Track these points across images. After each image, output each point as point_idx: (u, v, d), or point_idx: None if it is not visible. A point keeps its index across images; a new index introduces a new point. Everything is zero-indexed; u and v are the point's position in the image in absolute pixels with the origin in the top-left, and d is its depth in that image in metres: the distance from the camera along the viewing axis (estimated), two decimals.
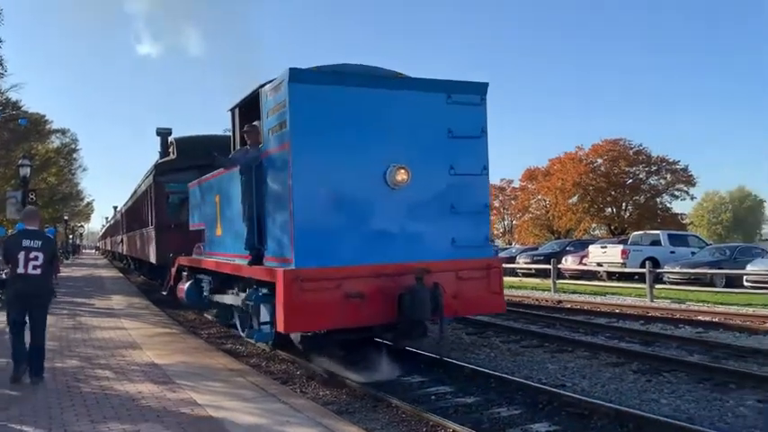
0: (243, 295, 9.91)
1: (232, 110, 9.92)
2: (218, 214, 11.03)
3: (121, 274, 32.23)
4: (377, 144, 8.08)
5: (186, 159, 16.68)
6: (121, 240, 34.06)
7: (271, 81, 8.40)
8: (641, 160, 57.32)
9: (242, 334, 11.04)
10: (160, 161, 17.67)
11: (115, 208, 53.00)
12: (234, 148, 9.90)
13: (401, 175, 8.03)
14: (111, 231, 56.72)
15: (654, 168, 57.78)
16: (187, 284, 13.11)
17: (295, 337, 8.57)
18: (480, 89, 8.75)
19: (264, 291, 8.73)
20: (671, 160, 57.58)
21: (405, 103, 8.25)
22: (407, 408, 6.79)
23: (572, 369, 9.08)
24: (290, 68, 7.65)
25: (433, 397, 7.57)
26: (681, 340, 11.25)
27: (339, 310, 7.68)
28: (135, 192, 25.40)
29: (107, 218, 72.36)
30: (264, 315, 8.76)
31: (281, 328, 7.62)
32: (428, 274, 7.96)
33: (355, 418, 6.56)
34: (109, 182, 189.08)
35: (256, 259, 8.75)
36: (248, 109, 9.50)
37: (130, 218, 25.90)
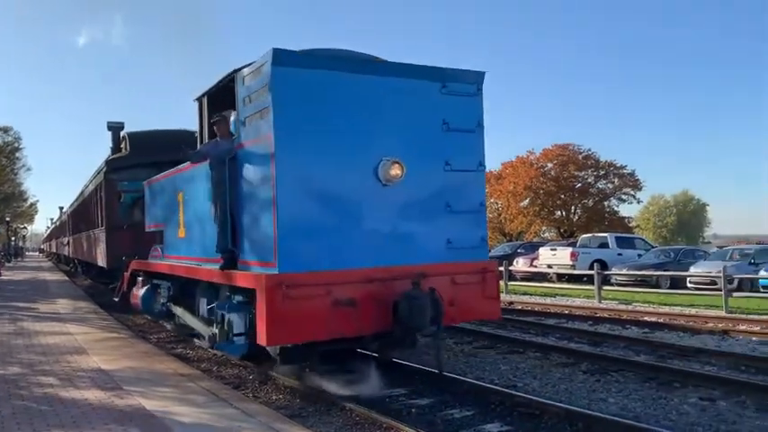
0: (206, 303, 9.05)
1: (200, 98, 9.00)
2: (180, 214, 10.07)
3: (67, 278, 30.90)
4: (368, 135, 7.33)
5: (140, 155, 15.61)
6: (68, 242, 32.35)
7: (248, 65, 7.55)
8: (590, 165, 58.05)
9: (204, 345, 10.13)
10: (111, 157, 16.50)
11: (61, 209, 50.80)
12: (201, 142, 8.99)
13: (395, 170, 7.29)
14: (56, 233, 54.43)
15: (602, 173, 58.68)
16: (143, 290, 12.12)
17: (273, 349, 7.71)
18: (477, 78, 8.09)
19: (238, 298, 7.87)
20: (618, 165, 58.64)
21: (397, 91, 7.52)
22: (361, 411, 6.75)
23: (523, 370, 9.26)
24: (274, 49, 6.83)
25: (387, 399, 7.49)
26: (628, 340, 11.58)
27: (328, 319, 6.90)
28: (83, 191, 23.96)
29: (52, 219, 69.48)
30: (238, 326, 7.91)
31: (262, 340, 6.79)
32: (425, 278, 7.26)
33: (309, 422, 6.53)
34: (56, 182, 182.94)
35: (229, 263, 7.88)
36: (219, 97, 8.62)
37: (78, 219, 24.43)
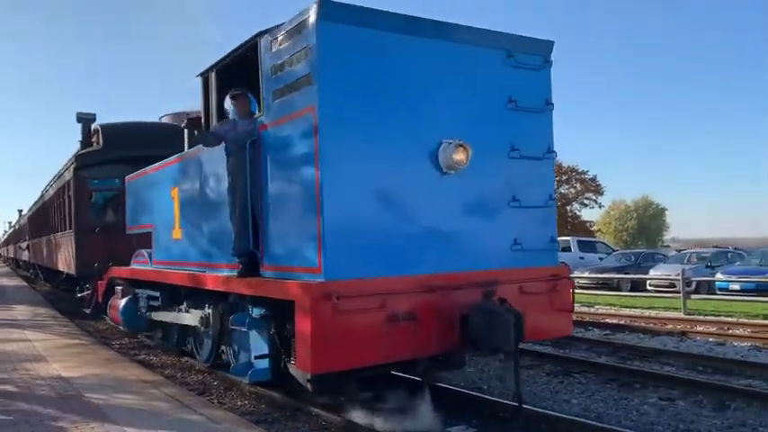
0: (205, 314, 7.62)
1: (205, 74, 7.55)
2: (175, 212, 8.58)
3: (26, 283, 29.09)
4: (424, 112, 6.00)
5: (115, 150, 14.00)
6: (27, 246, 30.20)
7: (277, 26, 6.16)
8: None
9: (201, 363, 8.71)
10: (82, 152, 14.78)
11: (20, 212, 48.21)
12: (208, 127, 7.53)
13: (459, 155, 5.97)
14: (14, 237, 51.66)
15: (564, 178, 59.04)
16: (124, 301, 10.56)
17: (302, 375, 6.29)
18: (544, 48, 6.82)
19: (260, 312, 6.47)
20: (580, 170, 59.19)
21: (458, 59, 6.21)
22: (328, 416, 6.47)
23: (488, 372, 9.14)
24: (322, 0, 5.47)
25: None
26: (590, 342, 11.71)
27: (384, 338, 5.53)
28: (45, 191, 22.01)
29: (10, 223, 66.17)
30: (259, 346, 6.53)
31: (305, 366, 5.39)
32: (497, 286, 5.97)
33: (275, 428, 6.42)
34: (14, 184, 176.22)
35: (249, 269, 6.46)
36: (232, 72, 7.20)
37: (39, 221, 22.43)
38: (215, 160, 7.21)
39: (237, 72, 7.08)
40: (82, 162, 14.45)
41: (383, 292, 5.56)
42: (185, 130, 11.15)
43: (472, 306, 5.78)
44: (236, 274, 6.64)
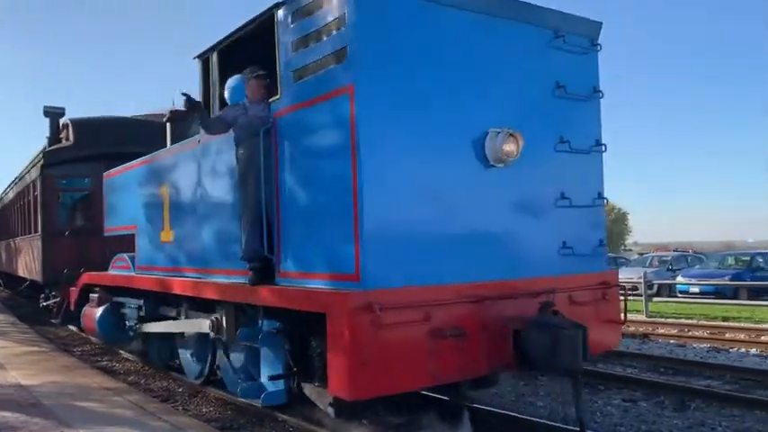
0: (200, 325, 6.76)
1: (205, 56, 6.68)
2: (164, 212, 7.66)
3: None
4: (469, 96, 5.25)
5: (87, 147, 12.94)
6: None
7: None
8: None
9: (191, 380, 7.81)
10: (50, 149, 13.65)
11: None
12: (211, 114, 6.65)
13: (510, 145, 5.22)
14: None
15: None
16: (100, 311, 9.59)
17: (320, 397, 5.45)
18: (592, 30, 6.12)
19: (275, 325, 5.63)
20: None
21: (503, 36, 5.48)
22: (295, 422, 6.23)
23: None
24: None
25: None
26: None
27: (429, 356, 4.74)
28: (5, 192, 20.65)
29: None
30: (273, 364, 5.68)
31: (343, 392, 4.57)
32: (554, 297, 5.24)
33: None
34: None
35: (262, 275, 5.61)
36: (236, 51, 6.35)
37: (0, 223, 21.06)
38: (218, 152, 6.36)
39: (243, 52, 6.24)
40: (49, 160, 13.33)
41: (428, 303, 4.77)
42: (167, 125, 10.31)
43: (528, 320, 5.02)
44: (244, 281, 5.80)
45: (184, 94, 5.74)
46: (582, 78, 5.98)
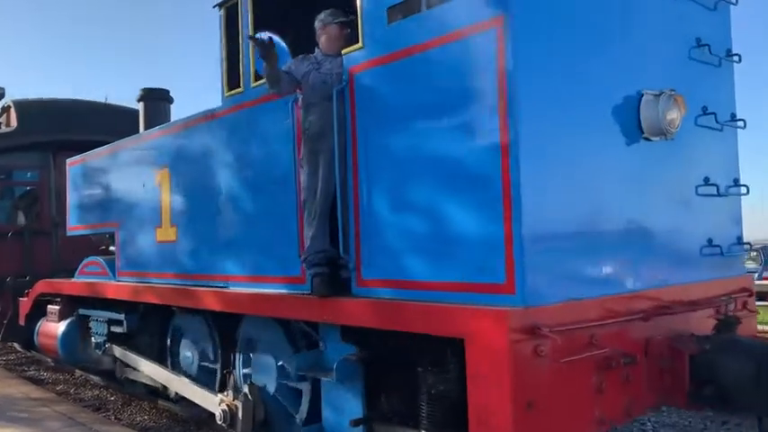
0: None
1: (229, 1, 5.22)
2: (164, 204, 6.11)
3: None
4: (616, 48, 4.01)
5: (34, 133, 11.05)
6: None
7: None
8: None
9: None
10: None
11: None
12: (240, 77, 5.18)
13: (673, 112, 4.01)
14: None
15: None
16: (64, 327, 7.92)
17: None
18: None
19: (350, 350, 4.24)
20: None
21: None
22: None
23: None
24: None
25: None
26: None
27: (597, 394, 3.47)
28: None
29: None
30: (351, 404, 4.28)
31: None
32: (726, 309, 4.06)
33: None
34: None
35: (329, 283, 4.22)
36: None
37: None
38: (259, 122, 4.91)
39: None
40: None
41: (592, 322, 3.50)
42: (141, 104, 8.79)
43: (703, 341, 3.82)
44: (303, 291, 4.40)
45: (253, 38, 4.31)
46: (716, 39, 4.82)
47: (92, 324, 7.51)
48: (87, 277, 7.57)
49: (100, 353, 7.38)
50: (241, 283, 5.11)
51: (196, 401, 5.73)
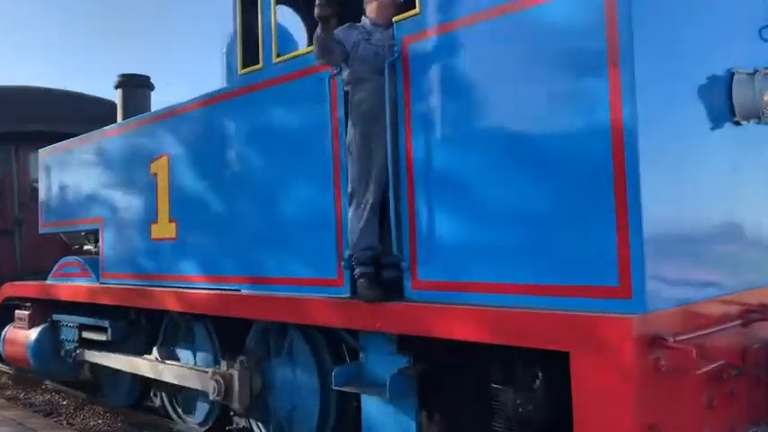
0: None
1: None
2: (161, 196, 5.46)
3: None
4: (712, 28, 3.56)
5: None
6: None
7: None
8: None
9: (192, 424, 5.72)
10: None
11: None
12: (259, 53, 4.59)
13: None
14: None
15: None
16: (35, 335, 7.17)
17: None
18: None
19: (402, 363, 3.70)
20: None
21: None
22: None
23: None
24: None
25: None
26: None
27: (707, 412, 3.02)
28: None
29: None
30: (404, 426, 3.74)
31: None
32: None
33: None
34: None
35: (377, 283, 3.67)
36: None
37: None
38: (284, 102, 4.32)
39: None
40: None
41: (704, 329, 3.04)
42: (119, 91, 8.11)
43: None
44: (339, 295, 3.84)
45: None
46: None
47: (64, 330, 6.80)
48: (64, 279, 6.83)
49: (70, 360, 6.70)
50: (258, 285, 4.52)
51: (190, 385, 5.20)
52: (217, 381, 4.67)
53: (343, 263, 3.90)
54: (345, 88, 3.85)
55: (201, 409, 5.63)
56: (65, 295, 6.53)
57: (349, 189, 3.79)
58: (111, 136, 6.23)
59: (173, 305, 5.15)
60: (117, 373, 6.51)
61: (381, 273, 3.76)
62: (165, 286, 5.35)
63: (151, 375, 5.67)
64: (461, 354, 3.45)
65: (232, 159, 4.71)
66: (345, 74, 3.81)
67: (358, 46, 3.72)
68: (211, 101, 4.91)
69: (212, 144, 4.89)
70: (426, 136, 3.53)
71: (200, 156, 5.04)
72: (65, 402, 7.53)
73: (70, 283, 6.52)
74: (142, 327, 6.26)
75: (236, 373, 4.59)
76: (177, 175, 5.28)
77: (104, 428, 6.46)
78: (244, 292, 4.61)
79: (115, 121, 7.62)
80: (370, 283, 3.67)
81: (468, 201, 3.34)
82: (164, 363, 5.54)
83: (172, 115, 5.41)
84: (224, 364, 4.75)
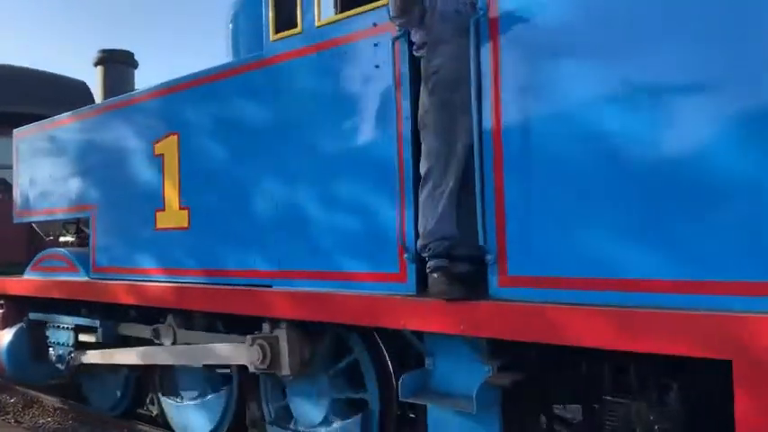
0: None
1: None
2: (170, 180, 4.84)
3: None
4: None
5: None
6: None
7: None
8: None
9: None
10: None
11: None
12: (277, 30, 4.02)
13: None
14: None
15: None
16: (10, 336, 6.46)
17: None
18: None
19: (484, 372, 3.21)
20: None
21: None
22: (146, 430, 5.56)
23: None
24: None
25: None
26: None
27: None
28: None
29: None
30: None
31: None
32: None
33: None
34: None
35: (457, 279, 3.16)
36: None
37: None
38: (330, 70, 3.76)
39: None
40: None
41: None
42: (99, 69, 7.47)
43: None
44: (402, 292, 3.32)
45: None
46: None
47: (54, 332, 6.10)
48: (46, 274, 6.11)
49: (62, 366, 5.99)
50: (294, 281, 3.95)
51: (226, 361, 4.47)
52: (261, 345, 4.02)
53: (406, 255, 3.37)
54: (416, 53, 3.31)
55: (209, 416, 5.03)
56: (58, 293, 5.81)
57: (423, 168, 3.25)
58: (104, 113, 5.56)
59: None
60: (104, 374, 5.88)
61: (457, 266, 3.24)
62: (173, 282, 4.73)
63: (171, 361, 4.95)
64: (553, 360, 2.98)
65: (263, 137, 4.12)
66: (417, 36, 3.27)
67: (435, 2, 3.19)
68: (236, 71, 4.31)
69: (241, 120, 4.29)
70: (521, 105, 3.02)
71: (221, 134, 4.43)
72: (12, 400, 7.17)
73: (63, 279, 5.79)
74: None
75: (282, 335, 3.97)
76: (191, 157, 4.66)
77: (55, 426, 6.25)
78: (275, 288, 4.04)
79: (87, 103, 6.99)
80: (449, 278, 3.14)
81: (577, 181, 2.84)
82: (185, 344, 4.81)
83: (183, 89, 4.77)
84: (265, 327, 4.12)
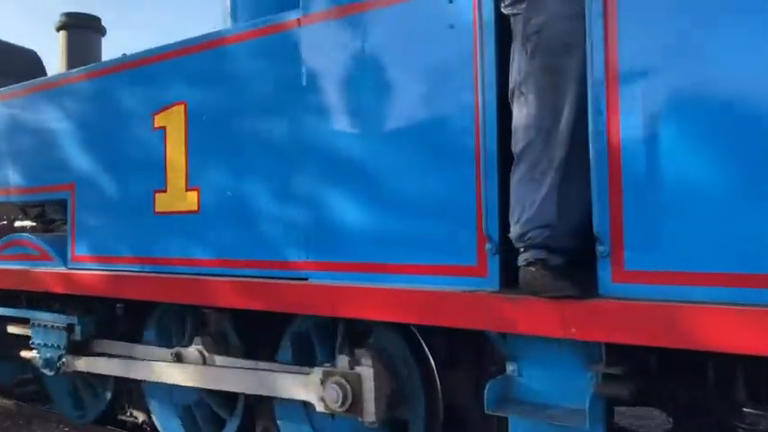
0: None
1: None
2: (171, 158, 4.21)
3: None
4: None
5: None
6: None
7: None
8: None
9: None
10: None
11: None
12: None
13: None
14: None
15: None
16: None
17: None
18: None
19: (586, 379, 2.78)
20: None
21: None
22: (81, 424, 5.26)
23: None
24: None
25: None
26: None
27: None
28: None
29: None
30: None
31: None
32: None
33: None
34: None
35: (565, 275, 2.71)
36: None
37: None
38: (389, 30, 3.24)
39: None
40: None
41: None
42: (62, 34, 6.81)
43: None
44: (481, 288, 2.86)
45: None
46: None
47: (38, 331, 5.33)
48: (12, 263, 5.36)
49: (52, 372, 5.24)
50: (339, 273, 3.43)
51: (284, 395, 3.73)
52: (339, 384, 3.33)
53: (488, 245, 2.90)
54: (508, 10, 2.82)
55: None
56: (36, 285, 5.06)
57: (518, 145, 2.77)
58: (84, 81, 4.84)
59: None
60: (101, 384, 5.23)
61: (556, 258, 2.79)
62: (179, 273, 4.13)
63: (209, 386, 4.21)
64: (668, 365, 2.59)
65: (303, 107, 3.55)
66: None
67: None
68: (266, 31, 3.72)
69: (269, 87, 3.71)
70: (646, 68, 2.58)
71: (246, 104, 3.83)
72: None
73: (42, 270, 5.04)
74: (118, 323, 5.01)
75: (367, 372, 3.30)
76: (201, 130, 4.05)
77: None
78: (312, 281, 3.51)
79: (37, 74, 6.27)
80: (552, 272, 2.69)
81: (725, 161, 2.43)
82: (231, 366, 4.11)
83: (192, 52, 4.14)
84: (342, 360, 3.45)
